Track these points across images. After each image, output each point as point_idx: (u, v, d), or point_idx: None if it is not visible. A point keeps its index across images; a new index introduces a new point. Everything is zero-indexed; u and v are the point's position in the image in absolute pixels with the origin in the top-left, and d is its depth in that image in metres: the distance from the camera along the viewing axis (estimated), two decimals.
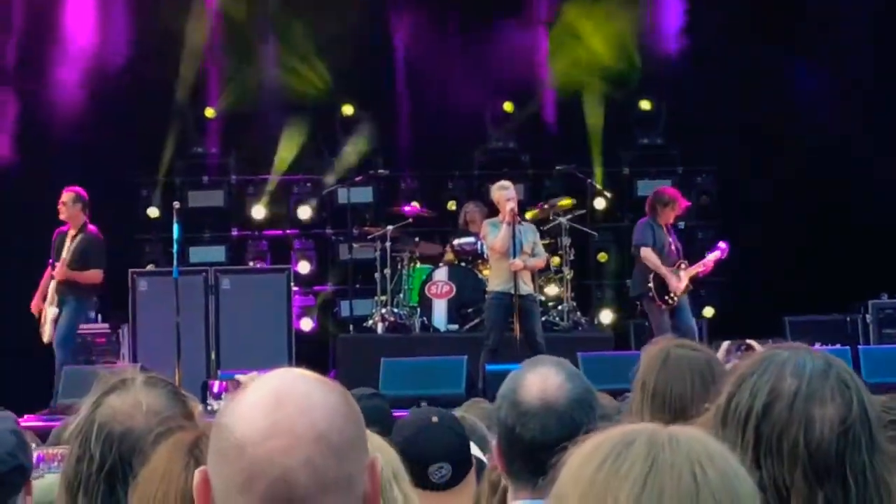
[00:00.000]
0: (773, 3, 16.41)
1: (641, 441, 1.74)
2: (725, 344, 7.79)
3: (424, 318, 14.93)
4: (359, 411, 1.88)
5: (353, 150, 17.35)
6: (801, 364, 2.44)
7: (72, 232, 13.47)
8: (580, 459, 1.77)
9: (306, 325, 16.28)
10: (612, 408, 5.05)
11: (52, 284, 13.42)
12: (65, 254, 13.38)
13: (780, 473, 2.22)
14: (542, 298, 14.24)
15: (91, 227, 13.53)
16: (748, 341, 8.13)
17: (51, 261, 13.43)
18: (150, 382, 2.83)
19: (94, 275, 13.41)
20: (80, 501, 2.70)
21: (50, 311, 13.37)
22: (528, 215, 14.14)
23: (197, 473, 1.87)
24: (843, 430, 2.36)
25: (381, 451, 3.42)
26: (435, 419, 4.45)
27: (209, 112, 16.98)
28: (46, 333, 13.29)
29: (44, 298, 13.45)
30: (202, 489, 1.84)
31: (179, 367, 13.32)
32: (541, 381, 3.28)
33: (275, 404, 1.81)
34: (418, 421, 4.48)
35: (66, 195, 13.51)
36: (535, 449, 3.05)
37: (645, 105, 17.20)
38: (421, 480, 4.14)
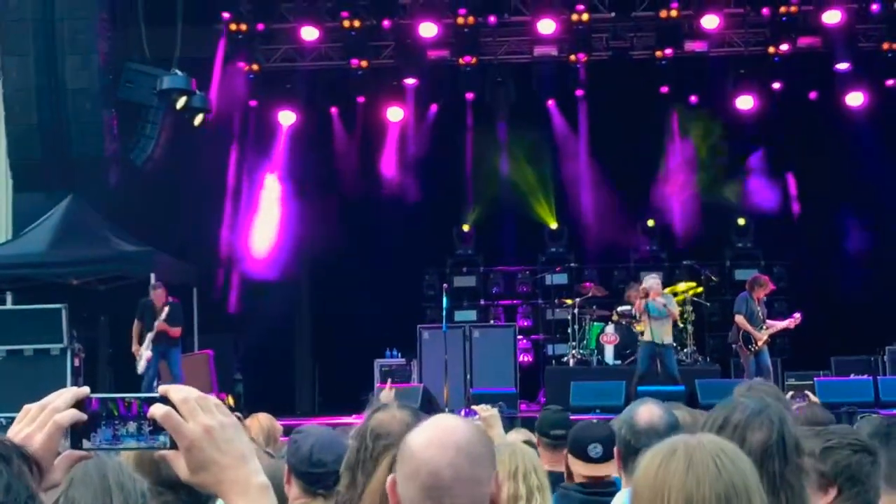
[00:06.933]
0: None
1: (681, 448, 2.11)
2: (790, 393, 9.29)
3: (599, 357, 16.94)
4: (488, 438, 2.23)
5: (556, 251, 19.87)
6: (747, 405, 2.86)
7: (160, 302, 14.79)
8: (646, 462, 2.13)
9: (525, 359, 17.91)
10: (692, 424, 4.67)
11: (149, 336, 14.66)
12: (163, 317, 14.59)
13: None
14: (676, 346, 15.50)
15: (172, 298, 15.01)
16: (806, 392, 9.90)
17: (136, 321, 14.81)
18: (402, 406, 3.35)
19: (178, 330, 14.88)
20: (359, 476, 3.16)
21: (145, 353, 14.59)
22: (666, 290, 15.83)
23: (389, 478, 2.26)
24: (764, 448, 2.76)
25: (528, 455, 4.24)
26: (595, 420, 5.27)
27: (465, 227, 20.00)
28: (140, 367, 14.49)
29: (139, 343, 14.75)
30: (391, 484, 2.25)
31: (447, 385, 15.62)
32: (648, 413, 3.86)
33: (434, 428, 2.21)
34: (585, 422, 5.27)
35: (160, 289, 14.88)
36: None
37: (741, 221, 19.91)
38: (584, 455, 4.82)
